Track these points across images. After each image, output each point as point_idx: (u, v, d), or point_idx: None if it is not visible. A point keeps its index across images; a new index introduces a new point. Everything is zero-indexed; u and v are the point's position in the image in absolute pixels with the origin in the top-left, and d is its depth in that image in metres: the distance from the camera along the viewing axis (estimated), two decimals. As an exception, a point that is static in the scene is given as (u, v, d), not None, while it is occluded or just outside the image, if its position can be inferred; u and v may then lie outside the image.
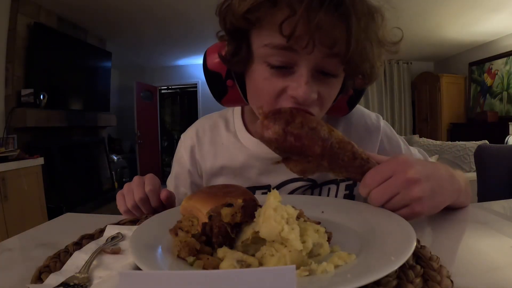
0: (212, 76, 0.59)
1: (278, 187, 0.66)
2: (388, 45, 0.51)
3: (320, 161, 0.44)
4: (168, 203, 0.59)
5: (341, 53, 0.45)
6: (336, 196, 0.68)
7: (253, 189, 0.68)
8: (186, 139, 0.75)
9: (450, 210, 0.57)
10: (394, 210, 0.43)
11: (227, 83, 0.58)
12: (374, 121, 0.72)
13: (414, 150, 0.74)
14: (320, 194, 0.67)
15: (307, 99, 0.46)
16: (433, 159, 2.63)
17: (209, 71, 0.58)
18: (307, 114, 0.47)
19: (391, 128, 0.75)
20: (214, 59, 0.57)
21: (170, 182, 0.76)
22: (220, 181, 0.70)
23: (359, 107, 0.74)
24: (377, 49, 0.49)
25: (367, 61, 0.48)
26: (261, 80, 0.50)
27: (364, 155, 0.45)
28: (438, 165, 0.48)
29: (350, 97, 0.62)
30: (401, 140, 0.74)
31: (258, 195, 0.49)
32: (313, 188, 0.67)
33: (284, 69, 0.48)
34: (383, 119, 0.75)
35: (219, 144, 0.71)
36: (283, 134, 0.42)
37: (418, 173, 0.41)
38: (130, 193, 0.58)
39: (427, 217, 0.55)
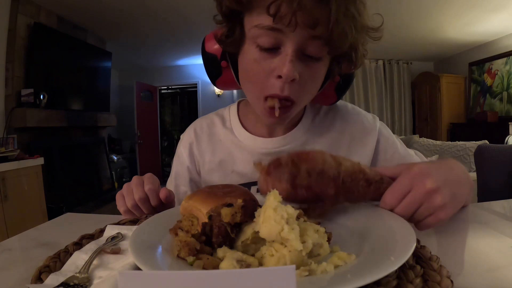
0: (208, 58, 0.63)
1: None
2: (370, 31, 0.55)
3: (336, 200, 0.42)
4: (168, 202, 0.59)
5: (323, 35, 0.49)
6: None
7: (249, 185, 0.68)
8: (185, 138, 0.77)
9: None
10: (419, 221, 0.42)
11: (221, 64, 0.62)
12: (371, 121, 0.73)
13: (411, 152, 0.74)
14: None
15: (292, 76, 0.50)
16: (433, 159, 2.63)
17: (207, 53, 0.63)
18: (309, 155, 0.43)
19: (388, 129, 0.75)
20: (211, 43, 0.62)
21: (170, 182, 0.77)
22: (217, 176, 0.71)
23: (356, 108, 0.75)
24: (359, 34, 0.53)
25: (348, 42, 0.51)
26: (251, 61, 0.54)
27: (377, 177, 0.43)
28: (451, 164, 0.47)
29: (338, 84, 0.65)
30: (398, 141, 0.74)
31: (258, 195, 0.49)
32: None
33: (272, 51, 0.52)
34: (383, 119, 0.76)
35: (217, 140, 0.73)
36: (292, 190, 0.40)
37: (436, 181, 0.41)
38: (130, 193, 0.58)
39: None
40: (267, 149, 0.69)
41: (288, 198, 0.41)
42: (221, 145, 0.72)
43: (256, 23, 0.51)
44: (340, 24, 0.48)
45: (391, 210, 0.43)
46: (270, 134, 0.70)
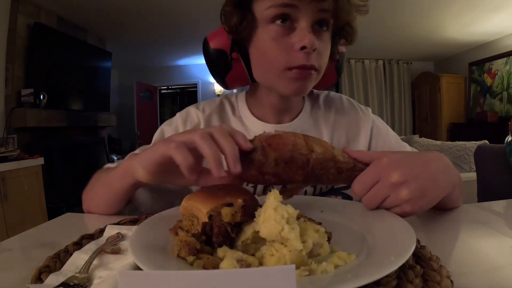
0: (216, 55, 0.63)
1: None
2: (360, 7, 0.60)
3: (305, 184, 0.43)
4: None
5: (329, 9, 0.56)
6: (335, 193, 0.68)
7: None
8: (186, 117, 0.72)
9: (450, 210, 0.58)
10: (386, 209, 0.43)
11: (232, 55, 0.62)
12: (364, 109, 0.76)
13: (405, 144, 0.76)
14: (321, 194, 0.68)
15: (314, 44, 0.54)
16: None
17: (213, 50, 0.63)
18: (280, 140, 0.41)
19: (382, 121, 0.78)
20: (217, 39, 0.63)
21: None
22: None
23: (350, 99, 0.78)
24: (352, 7, 0.58)
25: (350, 14, 0.58)
26: (269, 40, 0.57)
27: (349, 165, 0.43)
28: (430, 159, 0.46)
29: (337, 62, 0.69)
30: (391, 132, 0.76)
31: (257, 195, 0.49)
32: (315, 188, 0.68)
33: (287, 27, 0.56)
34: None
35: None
36: (260, 176, 0.41)
37: (403, 175, 0.41)
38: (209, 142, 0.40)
39: (427, 217, 0.55)
40: None
41: (257, 182, 0.43)
42: None
43: (269, 5, 0.55)
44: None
45: (359, 199, 0.44)
46: (278, 122, 0.71)
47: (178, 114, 0.74)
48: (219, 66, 0.64)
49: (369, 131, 0.73)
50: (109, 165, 0.69)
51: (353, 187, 0.44)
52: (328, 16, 0.57)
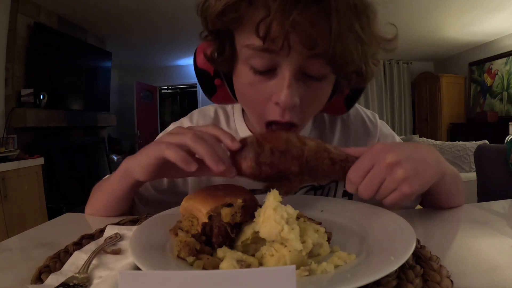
0: (201, 74, 0.58)
1: None
2: (382, 43, 0.49)
3: (301, 178, 0.43)
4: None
5: (324, 53, 0.43)
6: (335, 192, 0.67)
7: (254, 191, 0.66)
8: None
9: (450, 210, 0.58)
10: (384, 197, 0.42)
11: (215, 82, 0.57)
12: (372, 118, 0.72)
13: None
14: (322, 195, 0.67)
15: (289, 103, 0.45)
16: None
17: (198, 69, 0.58)
18: (274, 135, 0.44)
19: (388, 127, 0.75)
20: (203, 57, 0.55)
21: None
22: (220, 180, 0.67)
23: (357, 108, 0.74)
24: (368, 47, 0.46)
25: (353, 60, 0.45)
26: (246, 85, 0.49)
27: (342, 156, 0.44)
28: (418, 146, 0.47)
29: (347, 95, 0.60)
30: (397, 139, 0.74)
31: (258, 195, 0.49)
32: (316, 189, 0.67)
33: (267, 73, 0.46)
34: (383, 119, 0.75)
35: None
36: (257, 167, 0.41)
37: (396, 155, 0.41)
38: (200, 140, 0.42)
39: (427, 217, 0.55)
40: None
41: (253, 175, 0.42)
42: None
43: (247, 43, 0.45)
44: (343, 40, 0.42)
45: (356, 188, 0.43)
46: None
47: (172, 125, 0.72)
48: (205, 86, 0.59)
49: (376, 138, 0.70)
50: (108, 176, 0.69)
51: (348, 176, 0.43)
52: (322, 62, 0.44)
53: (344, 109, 0.63)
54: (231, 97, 0.58)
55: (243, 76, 0.49)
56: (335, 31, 0.41)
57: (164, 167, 0.45)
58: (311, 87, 0.47)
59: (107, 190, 0.57)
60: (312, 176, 0.44)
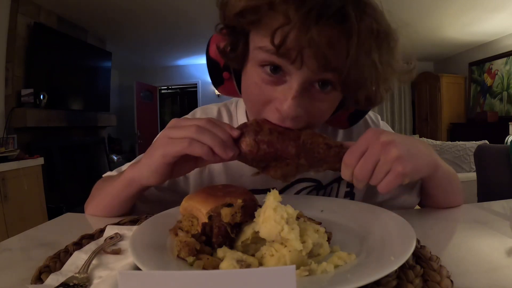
0: (211, 64, 0.58)
1: (284, 189, 0.65)
2: (398, 73, 0.48)
3: (298, 161, 0.44)
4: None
5: (337, 68, 0.42)
6: (337, 192, 0.67)
7: (256, 191, 0.66)
8: None
9: (449, 210, 0.58)
10: (380, 180, 0.41)
11: (223, 75, 0.57)
12: (375, 120, 0.72)
13: None
14: (324, 195, 0.67)
15: (291, 114, 0.44)
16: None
17: (210, 58, 0.57)
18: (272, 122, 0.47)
19: (389, 128, 0.74)
20: (215, 48, 0.54)
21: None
22: (223, 179, 0.66)
23: None
24: (383, 74, 0.45)
25: (366, 86, 0.44)
26: (252, 84, 0.48)
27: (337, 143, 0.45)
28: (412, 137, 0.48)
29: (351, 114, 0.58)
30: None
31: (258, 195, 0.49)
32: (318, 189, 0.67)
33: (276, 76, 0.45)
34: (383, 119, 0.74)
35: None
36: (255, 145, 0.43)
37: (390, 136, 0.42)
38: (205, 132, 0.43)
39: (427, 217, 0.55)
40: None
41: (251, 153, 0.44)
42: None
43: (261, 45, 0.44)
44: (359, 66, 0.41)
45: (351, 173, 0.42)
46: None
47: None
48: (213, 75, 0.59)
49: None
50: (108, 173, 0.68)
51: (344, 159, 0.43)
52: (333, 77, 0.43)
53: (347, 125, 0.61)
54: (236, 91, 0.59)
55: (251, 76, 0.48)
56: (353, 55, 0.40)
57: (175, 166, 0.46)
58: (316, 100, 0.46)
59: (111, 193, 0.57)
60: (308, 159, 0.44)
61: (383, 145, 0.41)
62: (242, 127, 0.45)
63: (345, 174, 0.44)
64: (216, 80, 0.59)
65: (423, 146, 0.47)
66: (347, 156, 0.43)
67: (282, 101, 0.44)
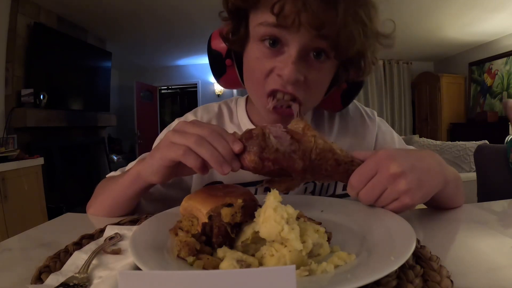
0: (214, 56, 0.63)
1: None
2: (380, 38, 0.54)
3: (303, 176, 0.43)
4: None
5: (329, 37, 0.48)
6: (335, 188, 0.68)
7: (252, 184, 0.65)
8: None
9: (449, 210, 0.58)
10: (384, 205, 0.43)
11: (226, 62, 0.62)
12: (371, 114, 0.73)
13: (410, 147, 0.74)
14: (322, 189, 0.67)
15: (292, 78, 0.49)
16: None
17: (212, 50, 0.63)
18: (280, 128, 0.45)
19: (387, 124, 0.76)
20: (217, 40, 0.62)
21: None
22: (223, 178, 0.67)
23: (356, 104, 0.75)
24: (368, 40, 0.51)
25: (356, 47, 0.49)
26: (253, 59, 0.54)
27: (347, 158, 0.44)
28: (424, 154, 0.47)
29: (344, 91, 0.63)
30: (396, 136, 0.74)
31: (258, 195, 0.49)
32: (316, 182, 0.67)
33: (275, 49, 0.51)
34: (383, 119, 0.75)
35: None
36: (260, 162, 0.41)
37: (401, 166, 0.41)
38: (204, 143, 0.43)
39: (427, 217, 0.55)
40: None
41: (256, 169, 0.42)
42: None
43: (261, 21, 0.50)
44: (348, 27, 0.47)
45: (356, 193, 0.43)
46: None
47: (177, 120, 0.72)
48: (216, 67, 0.64)
49: (374, 137, 0.71)
50: (112, 173, 0.69)
51: (350, 180, 0.43)
52: (326, 45, 0.50)
53: (340, 105, 0.66)
54: (238, 80, 0.63)
55: (252, 52, 0.54)
56: (341, 18, 0.46)
57: (176, 168, 0.47)
58: (314, 68, 0.52)
59: (117, 190, 0.57)
60: (314, 175, 0.43)
61: (392, 177, 0.41)
62: (247, 138, 0.42)
63: (350, 192, 0.45)
64: (218, 70, 0.64)
65: (433, 160, 0.47)
66: (354, 178, 0.43)
67: (283, 68, 0.50)
